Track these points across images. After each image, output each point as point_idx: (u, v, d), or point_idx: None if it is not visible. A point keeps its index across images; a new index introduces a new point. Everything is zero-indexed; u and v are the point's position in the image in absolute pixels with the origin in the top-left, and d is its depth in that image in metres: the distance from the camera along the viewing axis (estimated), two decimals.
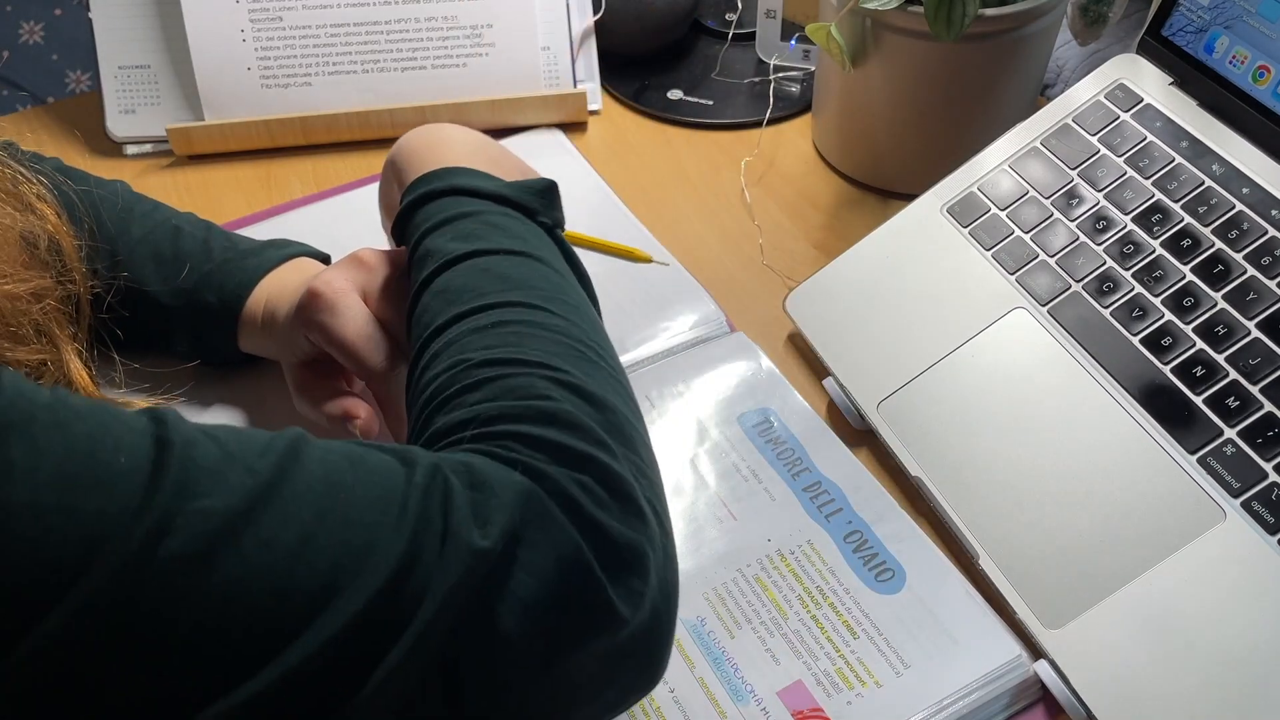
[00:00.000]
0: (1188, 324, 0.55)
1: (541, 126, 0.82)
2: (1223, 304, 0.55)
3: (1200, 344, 0.55)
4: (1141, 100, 0.63)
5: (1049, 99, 0.67)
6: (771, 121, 0.82)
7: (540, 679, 0.36)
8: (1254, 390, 0.52)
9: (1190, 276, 0.57)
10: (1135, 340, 0.56)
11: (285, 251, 0.61)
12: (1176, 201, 0.59)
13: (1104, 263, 0.59)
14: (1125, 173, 0.61)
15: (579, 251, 0.52)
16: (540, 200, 0.52)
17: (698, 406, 0.61)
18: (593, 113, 0.84)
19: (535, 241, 0.49)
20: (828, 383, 0.62)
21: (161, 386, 0.57)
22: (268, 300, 0.58)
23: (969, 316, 0.60)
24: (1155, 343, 0.56)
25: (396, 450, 0.37)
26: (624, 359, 0.64)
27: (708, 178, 0.79)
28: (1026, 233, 0.62)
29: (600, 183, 0.77)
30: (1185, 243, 0.58)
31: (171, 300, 0.58)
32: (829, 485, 0.57)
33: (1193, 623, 0.48)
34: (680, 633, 0.51)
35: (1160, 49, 0.64)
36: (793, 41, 0.84)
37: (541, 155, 0.80)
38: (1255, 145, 0.59)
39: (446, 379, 0.42)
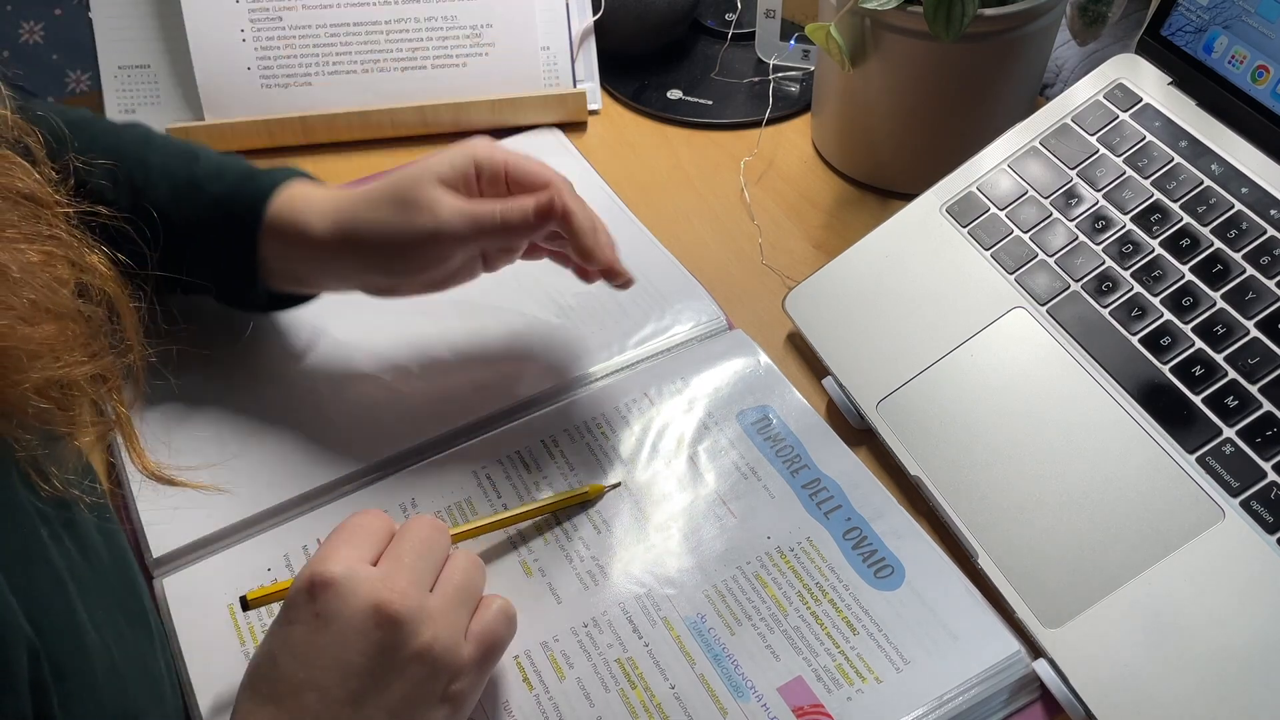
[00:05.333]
0: (1187, 323, 0.55)
1: (541, 126, 0.82)
2: (1222, 303, 0.55)
3: (1199, 343, 0.55)
4: (1140, 100, 0.63)
5: (1048, 99, 0.67)
6: (771, 121, 0.82)
7: None
8: (1253, 390, 0.52)
9: (1189, 276, 0.57)
10: (1134, 340, 0.56)
11: (298, 171, 0.62)
12: (1175, 201, 0.59)
13: (1103, 262, 0.59)
14: (1124, 172, 0.61)
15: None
16: None
17: (697, 404, 0.61)
18: (592, 112, 0.84)
19: None
20: (827, 382, 0.62)
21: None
22: (304, 199, 0.58)
23: (968, 316, 0.60)
24: (1154, 342, 0.56)
25: None
26: (623, 357, 0.64)
27: (707, 177, 0.79)
28: (1026, 232, 0.62)
29: (600, 183, 0.77)
30: (1184, 242, 0.58)
31: (188, 222, 0.58)
32: (828, 482, 0.57)
33: (1191, 622, 0.48)
34: (681, 630, 0.52)
35: (1159, 49, 0.64)
36: (792, 41, 0.84)
37: (541, 155, 0.79)
38: (1254, 145, 0.59)
39: None
